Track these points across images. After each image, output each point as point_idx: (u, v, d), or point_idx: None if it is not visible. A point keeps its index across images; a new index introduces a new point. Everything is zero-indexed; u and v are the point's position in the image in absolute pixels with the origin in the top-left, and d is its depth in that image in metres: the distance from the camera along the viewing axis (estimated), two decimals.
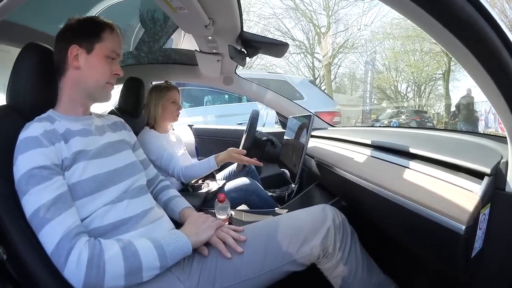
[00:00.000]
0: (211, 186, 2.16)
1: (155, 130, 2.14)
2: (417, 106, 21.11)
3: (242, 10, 1.41)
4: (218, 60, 2.11)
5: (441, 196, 0.88)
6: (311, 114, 1.87)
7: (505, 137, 0.91)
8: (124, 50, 2.36)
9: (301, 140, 1.88)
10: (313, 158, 1.93)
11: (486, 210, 0.85)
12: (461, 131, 3.26)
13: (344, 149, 1.65)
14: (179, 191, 1.51)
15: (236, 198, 2.09)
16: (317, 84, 16.66)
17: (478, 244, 0.87)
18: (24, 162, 0.96)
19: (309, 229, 1.15)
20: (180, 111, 2.23)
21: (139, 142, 1.47)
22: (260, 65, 21.22)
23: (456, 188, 0.87)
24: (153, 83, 2.70)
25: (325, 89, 19.49)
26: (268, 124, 5.84)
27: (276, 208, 1.96)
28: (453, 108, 11.97)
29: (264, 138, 2.43)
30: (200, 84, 3.59)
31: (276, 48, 1.66)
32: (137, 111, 2.19)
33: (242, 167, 2.38)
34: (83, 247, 0.92)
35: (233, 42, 1.67)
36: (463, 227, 0.79)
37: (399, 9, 0.73)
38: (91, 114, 1.26)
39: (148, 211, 1.18)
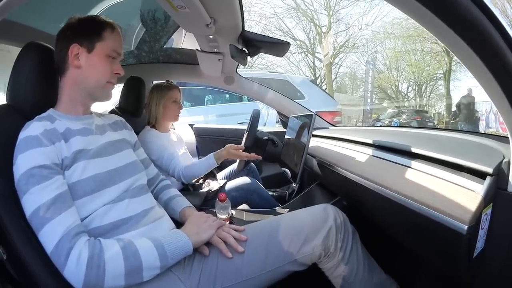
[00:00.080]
0: (212, 185, 2.16)
1: (156, 129, 2.14)
2: (418, 106, 21.13)
3: (243, 9, 1.41)
4: (219, 60, 2.11)
5: (443, 196, 0.87)
6: (312, 113, 1.87)
7: (507, 137, 0.91)
8: (125, 49, 2.37)
9: (302, 140, 1.88)
10: (314, 157, 1.93)
11: (488, 210, 0.85)
12: (462, 131, 3.26)
13: (345, 148, 1.64)
14: (179, 191, 1.50)
15: (237, 197, 2.08)
16: (318, 83, 16.70)
17: (480, 244, 0.86)
18: (24, 162, 0.96)
19: (310, 229, 1.14)
20: (181, 110, 2.23)
21: (140, 141, 1.47)
22: (261, 64, 21.26)
23: (458, 188, 0.87)
24: (154, 82, 2.71)
25: (326, 88, 19.49)
26: (269, 124, 5.84)
27: (277, 208, 1.95)
28: (454, 108, 11.98)
29: (265, 137, 2.42)
30: (201, 83, 3.59)
31: (278, 47, 1.65)
32: (138, 110, 2.19)
33: (243, 166, 2.38)
34: (83, 246, 0.92)
35: (234, 41, 1.67)
36: (466, 227, 0.79)
37: (404, 8, 0.73)
38: (92, 113, 1.25)
39: (148, 210, 1.17)
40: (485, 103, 12.53)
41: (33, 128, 1.01)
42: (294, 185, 2.09)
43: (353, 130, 2.10)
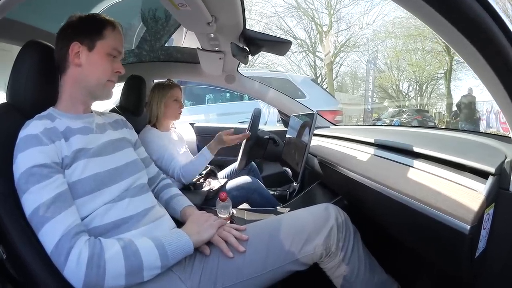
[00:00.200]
0: (213, 184, 2.15)
1: (157, 128, 2.14)
2: (418, 105, 21.13)
3: (245, 8, 1.41)
4: (220, 58, 2.11)
5: (446, 195, 0.87)
6: (314, 112, 1.86)
7: (509, 137, 0.90)
8: (126, 48, 2.36)
9: (304, 139, 1.87)
10: (315, 156, 1.93)
11: (490, 210, 0.84)
12: (464, 130, 3.26)
13: (347, 147, 1.64)
14: (180, 190, 1.50)
15: (237, 196, 2.08)
16: (319, 82, 16.68)
17: (482, 244, 0.86)
18: (24, 160, 0.95)
19: (311, 228, 1.14)
20: (182, 109, 2.23)
21: (140, 140, 1.47)
22: (261, 63, 21.23)
23: (461, 188, 0.86)
24: (155, 81, 2.70)
25: (326, 87, 19.49)
26: (270, 123, 5.85)
27: (278, 207, 1.95)
28: (454, 108, 11.97)
29: (266, 136, 2.42)
30: (202, 82, 3.59)
31: (279, 46, 1.65)
32: (139, 109, 2.19)
33: (243, 165, 2.38)
34: (83, 246, 0.91)
35: (235, 39, 1.66)
36: (468, 227, 0.79)
37: (407, 6, 0.73)
38: (92, 112, 1.25)
39: (149, 209, 1.17)
40: (485, 102, 12.53)
41: (33, 127, 1.01)
42: (295, 184, 2.09)
43: (354, 129, 2.09)
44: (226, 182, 2.18)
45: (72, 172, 1.03)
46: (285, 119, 2.98)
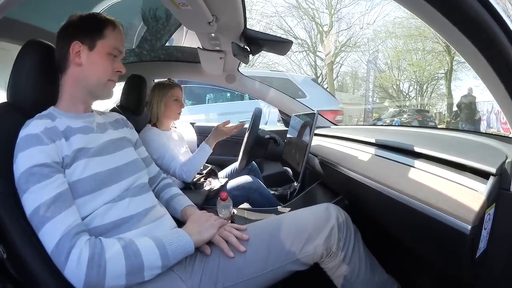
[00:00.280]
0: (213, 184, 2.15)
1: (157, 127, 2.14)
2: (419, 105, 21.17)
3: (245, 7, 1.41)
4: (220, 58, 2.11)
5: (447, 196, 0.87)
6: (315, 112, 1.86)
7: (510, 137, 0.90)
8: (127, 47, 2.36)
9: (304, 139, 1.87)
10: (316, 156, 1.92)
11: (491, 210, 0.84)
12: (465, 131, 3.25)
13: (347, 147, 1.64)
14: (181, 189, 1.50)
15: (238, 196, 2.08)
16: (319, 82, 16.67)
17: (482, 244, 0.86)
18: (24, 160, 0.95)
19: (312, 228, 1.14)
20: (182, 108, 2.23)
21: (141, 139, 1.47)
22: (262, 63, 21.26)
23: (462, 188, 0.86)
24: (156, 80, 2.70)
25: (327, 87, 19.49)
26: (270, 123, 5.86)
27: (278, 207, 1.95)
28: (455, 108, 11.97)
29: (267, 136, 2.42)
30: (202, 81, 3.59)
31: (280, 45, 1.65)
32: (139, 108, 2.19)
33: (244, 165, 2.38)
34: (83, 246, 0.91)
35: (236, 39, 1.66)
36: (469, 227, 0.79)
37: (409, 6, 0.73)
38: (93, 112, 1.25)
39: (150, 209, 1.17)
40: (486, 103, 12.54)
41: (34, 126, 1.01)
42: (295, 184, 2.08)
43: (355, 129, 2.09)
44: (226, 182, 2.18)
45: (73, 172, 1.03)
46: (285, 118, 2.98)
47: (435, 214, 0.88)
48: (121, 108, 2.07)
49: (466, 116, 10.73)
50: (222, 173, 2.55)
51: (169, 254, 1.01)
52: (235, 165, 2.54)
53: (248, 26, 1.58)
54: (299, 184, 2.05)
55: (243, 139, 2.42)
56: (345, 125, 3.19)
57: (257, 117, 2.22)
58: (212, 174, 2.37)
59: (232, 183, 2.17)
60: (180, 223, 1.26)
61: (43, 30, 1.85)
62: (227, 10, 1.34)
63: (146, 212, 1.15)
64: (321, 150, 1.93)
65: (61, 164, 1.01)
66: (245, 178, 2.18)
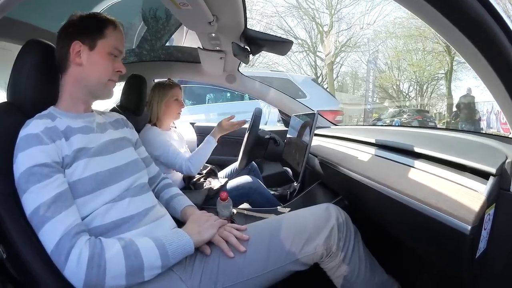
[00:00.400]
0: (213, 184, 2.16)
1: (157, 127, 2.13)
2: (419, 106, 21.15)
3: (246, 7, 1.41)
4: (221, 58, 2.11)
5: (447, 196, 0.87)
6: (315, 112, 1.86)
7: (510, 138, 0.90)
8: (127, 47, 2.36)
9: (304, 139, 1.87)
10: (316, 156, 1.92)
11: (491, 211, 0.84)
12: (465, 131, 3.25)
13: (347, 147, 1.64)
14: (181, 189, 1.50)
15: (238, 196, 2.08)
16: (319, 82, 16.67)
17: (482, 245, 0.86)
18: (24, 160, 0.95)
19: (312, 228, 1.14)
20: (182, 108, 2.23)
21: (142, 139, 1.47)
22: (262, 63, 21.25)
23: (461, 188, 0.86)
24: (156, 80, 2.70)
25: (327, 87, 19.49)
26: (270, 123, 5.86)
27: (278, 207, 1.95)
28: (455, 108, 11.97)
29: (267, 136, 2.42)
30: (202, 81, 3.59)
31: (280, 45, 1.65)
32: (139, 108, 2.19)
33: (244, 165, 2.38)
34: (83, 246, 0.91)
35: (236, 39, 1.66)
36: (469, 227, 0.79)
37: (409, 6, 0.73)
38: (93, 111, 1.25)
39: (150, 209, 1.17)
40: (486, 103, 12.53)
41: (34, 126, 1.01)
42: (295, 184, 2.08)
43: (355, 130, 2.09)
44: (226, 182, 2.18)
45: (73, 172, 1.03)
46: (285, 119, 2.98)
47: (435, 214, 0.88)
48: (121, 108, 2.07)
49: (466, 116, 10.73)
50: (222, 173, 2.55)
51: (169, 254, 1.01)
52: (235, 165, 2.55)
53: (248, 26, 1.58)
54: (299, 184, 2.05)
55: (243, 139, 2.42)
56: (345, 125, 3.19)
57: (257, 117, 2.22)
58: (212, 174, 2.37)
59: (232, 183, 2.17)
60: (180, 223, 1.26)
61: (43, 30, 1.85)
62: (228, 10, 1.34)
63: (146, 212, 1.15)
64: (321, 150, 1.93)
65: (61, 164, 1.01)
66: (245, 178, 2.18)
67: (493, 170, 0.83)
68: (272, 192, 2.30)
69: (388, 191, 1.09)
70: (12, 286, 1.01)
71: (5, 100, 1.13)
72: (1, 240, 0.99)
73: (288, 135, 2.39)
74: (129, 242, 0.99)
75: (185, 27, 2.03)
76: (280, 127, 3.76)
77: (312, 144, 1.79)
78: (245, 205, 2.13)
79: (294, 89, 6.03)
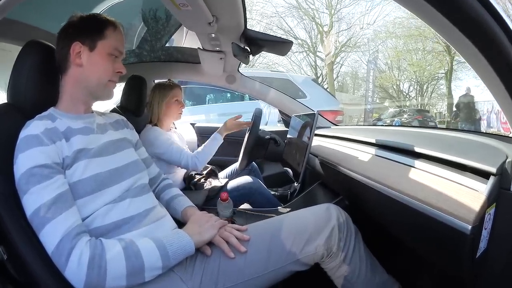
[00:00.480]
0: (214, 184, 2.15)
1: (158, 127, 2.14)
2: (419, 105, 21.13)
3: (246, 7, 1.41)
4: (221, 58, 2.11)
5: (447, 196, 0.87)
6: (315, 112, 1.86)
7: (510, 137, 0.90)
8: (127, 48, 2.36)
9: (305, 139, 1.88)
10: (316, 156, 1.92)
11: (491, 210, 0.84)
12: (465, 130, 3.25)
13: (348, 148, 1.64)
14: (181, 190, 1.50)
15: (238, 196, 2.08)
16: (319, 82, 16.67)
17: (483, 244, 0.86)
18: (24, 161, 0.95)
19: (313, 229, 1.14)
20: (182, 109, 2.23)
21: (143, 139, 1.47)
22: (262, 63, 21.25)
23: (462, 188, 0.86)
24: (156, 81, 2.70)
25: (327, 87, 19.48)
26: (270, 123, 5.86)
27: (278, 207, 1.95)
28: (455, 108, 11.97)
29: (267, 136, 2.42)
30: (202, 82, 3.59)
31: (280, 46, 1.65)
32: (140, 109, 2.19)
33: (244, 165, 2.38)
34: (84, 247, 0.91)
35: (236, 39, 1.66)
36: (470, 227, 0.79)
37: (409, 6, 0.73)
38: (93, 112, 1.25)
39: (150, 210, 1.17)
40: (486, 103, 12.53)
41: (34, 127, 1.01)
42: (296, 184, 2.08)
43: (356, 130, 2.09)
44: (227, 182, 2.18)
45: (73, 173, 1.03)
46: (286, 119, 2.98)
47: (436, 214, 0.88)
48: (121, 109, 2.07)
49: (466, 116, 10.73)
50: (222, 174, 2.55)
51: (169, 255, 1.00)
52: (235, 166, 2.55)
53: (248, 27, 1.58)
54: (299, 185, 2.05)
55: (244, 140, 2.42)
56: (345, 125, 3.19)
57: (257, 117, 2.22)
58: (213, 174, 2.36)
59: (233, 183, 2.17)
60: (180, 223, 1.26)
61: (43, 31, 1.85)
62: (227, 11, 1.34)
63: (147, 212, 1.15)
64: (321, 150, 1.93)
65: (61, 165, 1.01)
66: (246, 179, 2.18)
67: (493, 169, 0.83)
68: (272, 193, 2.29)
69: (388, 191, 1.09)
70: (12, 287, 1.00)
71: (5, 101, 1.13)
72: (1, 241, 0.99)
73: (288, 136, 2.39)
74: (129, 243, 0.98)
75: (185, 27, 2.03)
76: (281, 127, 3.76)
77: (312, 144, 1.80)
78: (245, 206, 2.13)
79: (294, 89, 6.03)
